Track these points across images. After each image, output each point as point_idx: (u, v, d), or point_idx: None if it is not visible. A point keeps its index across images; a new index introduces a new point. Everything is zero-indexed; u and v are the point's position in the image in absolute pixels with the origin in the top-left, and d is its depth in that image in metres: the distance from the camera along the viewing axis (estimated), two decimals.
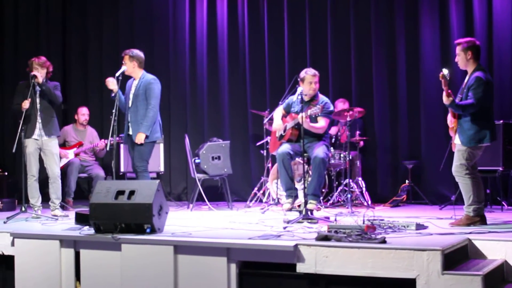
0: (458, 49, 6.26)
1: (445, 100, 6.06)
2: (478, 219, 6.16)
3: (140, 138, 7.29)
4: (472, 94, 6.09)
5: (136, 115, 7.36)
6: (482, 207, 6.24)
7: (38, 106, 7.62)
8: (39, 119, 7.64)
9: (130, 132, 7.39)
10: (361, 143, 9.05)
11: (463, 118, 6.16)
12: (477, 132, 6.11)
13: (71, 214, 7.34)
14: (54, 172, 7.75)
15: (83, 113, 9.68)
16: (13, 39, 11.26)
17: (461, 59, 6.25)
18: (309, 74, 7.32)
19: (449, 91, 6.05)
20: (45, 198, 7.88)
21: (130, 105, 7.41)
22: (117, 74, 7.25)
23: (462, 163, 6.15)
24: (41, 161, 7.80)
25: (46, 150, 7.72)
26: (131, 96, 7.44)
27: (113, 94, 7.34)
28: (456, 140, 6.25)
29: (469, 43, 6.25)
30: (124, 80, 7.42)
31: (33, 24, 11.24)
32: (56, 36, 11.16)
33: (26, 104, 7.45)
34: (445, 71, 6.08)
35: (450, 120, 6.33)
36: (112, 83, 7.32)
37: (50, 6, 11.23)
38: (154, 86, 7.41)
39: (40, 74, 7.57)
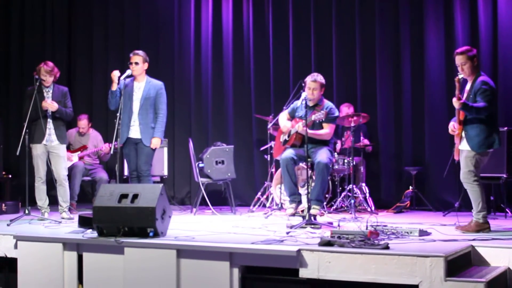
0: (464, 58, 6.17)
1: (456, 104, 6.02)
2: (488, 226, 6.14)
3: (156, 143, 7.37)
4: (482, 98, 6.06)
5: (146, 118, 7.35)
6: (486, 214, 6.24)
7: (49, 112, 7.67)
8: (49, 125, 7.69)
9: (133, 135, 7.34)
10: (370, 148, 9.07)
11: (469, 124, 6.13)
12: (487, 137, 6.09)
13: (75, 217, 7.36)
14: (60, 174, 7.78)
15: (83, 127, 9.66)
16: (19, 41, 11.29)
17: (468, 67, 6.17)
18: (308, 80, 7.33)
19: (460, 95, 6.06)
20: (51, 201, 7.90)
21: (136, 107, 7.36)
22: (122, 78, 7.23)
23: (470, 170, 6.13)
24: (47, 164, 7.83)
25: (54, 153, 7.76)
26: (136, 98, 7.38)
27: (113, 89, 7.26)
28: (463, 146, 6.22)
29: (472, 50, 6.24)
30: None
31: (39, 27, 11.27)
32: (61, 37, 11.20)
33: (44, 106, 7.52)
34: (460, 76, 6.12)
35: (453, 126, 6.30)
36: (117, 77, 7.25)
37: (56, 8, 11.24)
38: (164, 92, 7.52)
39: (48, 81, 7.64)
